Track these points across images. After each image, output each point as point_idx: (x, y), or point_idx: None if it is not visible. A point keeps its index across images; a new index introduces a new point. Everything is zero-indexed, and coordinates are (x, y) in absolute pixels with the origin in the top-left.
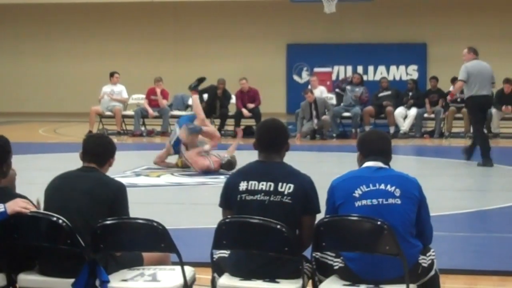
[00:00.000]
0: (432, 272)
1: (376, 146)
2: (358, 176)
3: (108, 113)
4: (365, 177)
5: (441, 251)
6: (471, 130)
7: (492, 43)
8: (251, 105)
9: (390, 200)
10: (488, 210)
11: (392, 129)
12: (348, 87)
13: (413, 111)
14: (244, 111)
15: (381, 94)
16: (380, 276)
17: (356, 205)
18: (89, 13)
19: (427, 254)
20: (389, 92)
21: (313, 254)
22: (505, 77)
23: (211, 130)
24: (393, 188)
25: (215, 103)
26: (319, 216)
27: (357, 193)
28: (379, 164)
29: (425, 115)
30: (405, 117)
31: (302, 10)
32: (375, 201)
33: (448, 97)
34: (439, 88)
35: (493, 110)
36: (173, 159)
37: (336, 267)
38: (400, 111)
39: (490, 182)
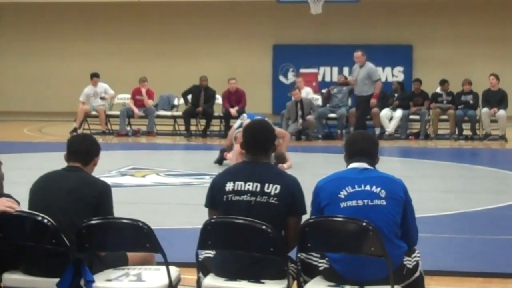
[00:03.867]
0: (417, 274)
1: (360, 147)
2: (343, 177)
3: (94, 112)
4: (351, 178)
5: (425, 253)
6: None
7: (477, 45)
8: (234, 109)
9: (376, 201)
10: (472, 211)
11: (377, 131)
12: (335, 90)
13: (399, 112)
14: (232, 110)
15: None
16: (365, 277)
17: (342, 206)
18: (74, 12)
19: (412, 256)
20: None
21: (298, 255)
22: (491, 73)
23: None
24: (379, 189)
25: (199, 101)
26: (305, 217)
27: (343, 194)
28: (364, 165)
29: (410, 116)
30: (391, 118)
31: (288, 11)
32: (360, 202)
33: (373, 100)
34: (423, 90)
35: (483, 110)
36: None
37: (321, 268)
38: (385, 112)
39: (475, 184)
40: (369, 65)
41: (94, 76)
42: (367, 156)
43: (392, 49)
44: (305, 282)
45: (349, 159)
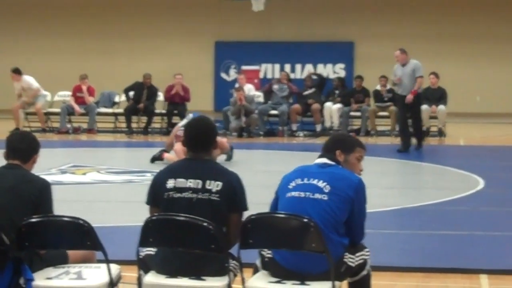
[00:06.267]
0: (364, 272)
1: (324, 145)
2: (302, 170)
3: (31, 110)
4: (306, 172)
5: None
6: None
7: (417, 42)
8: (180, 88)
9: (317, 195)
10: (413, 207)
11: (318, 127)
12: (276, 86)
13: (337, 106)
14: (175, 88)
15: (306, 92)
16: (305, 269)
17: (287, 196)
18: (13, 8)
19: (357, 254)
20: (313, 90)
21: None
22: (431, 71)
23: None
24: (324, 184)
25: (141, 98)
26: (247, 213)
27: (292, 185)
28: (323, 160)
29: (351, 113)
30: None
31: (230, 8)
32: (302, 194)
33: (410, 96)
34: (364, 87)
35: (423, 107)
36: None
37: (266, 259)
38: (329, 106)
39: (415, 180)
40: (415, 61)
41: (13, 71)
42: (327, 151)
43: (334, 46)
44: (256, 271)
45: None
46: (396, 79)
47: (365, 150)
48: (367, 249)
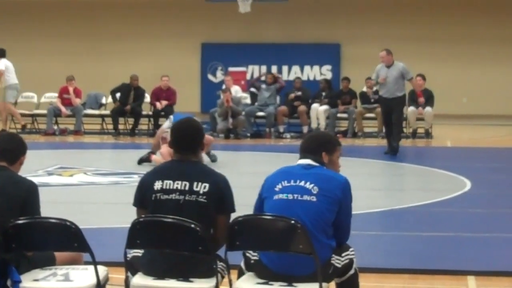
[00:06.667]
0: (352, 271)
1: (305, 145)
2: (286, 171)
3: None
4: (292, 173)
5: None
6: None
7: (405, 44)
8: (164, 102)
9: (305, 197)
10: (400, 209)
11: (305, 129)
12: (263, 86)
13: (323, 107)
14: (158, 104)
15: (292, 95)
16: (292, 271)
17: (274, 198)
18: (2, 9)
19: (343, 254)
20: (299, 93)
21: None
22: (418, 73)
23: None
24: (312, 185)
25: (128, 100)
26: (234, 215)
27: (278, 187)
28: (307, 161)
29: (338, 114)
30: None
31: (217, 9)
32: (290, 196)
33: (422, 99)
34: (350, 88)
35: (409, 109)
36: None
37: (252, 261)
38: (316, 108)
39: (402, 181)
40: (401, 64)
41: None
42: (312, 153)
43: (321, 48)
44: (241, 273)
45: (300, 156)
46: (381, 79)
47: (341, 146)
48: (351, 249)
